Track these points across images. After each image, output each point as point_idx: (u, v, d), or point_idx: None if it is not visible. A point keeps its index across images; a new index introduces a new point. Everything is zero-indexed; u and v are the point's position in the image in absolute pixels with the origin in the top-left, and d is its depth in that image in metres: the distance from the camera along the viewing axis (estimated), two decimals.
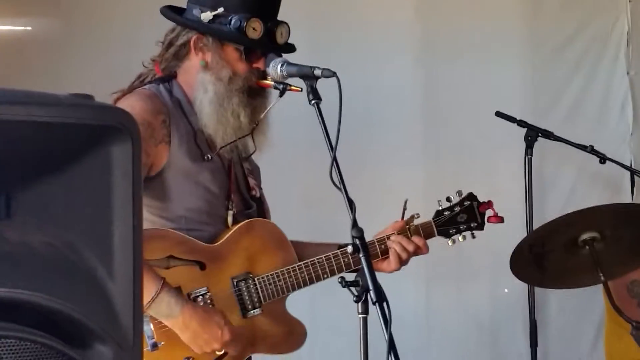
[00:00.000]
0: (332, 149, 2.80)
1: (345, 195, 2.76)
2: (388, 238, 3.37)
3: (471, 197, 3.53)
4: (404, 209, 3.41)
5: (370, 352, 2.72)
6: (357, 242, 2.71)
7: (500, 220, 3.52)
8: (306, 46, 4.59)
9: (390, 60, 5.10)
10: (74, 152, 1.56)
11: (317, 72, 2.91)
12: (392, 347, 2.58)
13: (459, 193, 3.51)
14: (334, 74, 2.86)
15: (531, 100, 5.19)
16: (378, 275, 2.72)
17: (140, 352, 1.64)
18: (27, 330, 1.50)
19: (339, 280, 2.74)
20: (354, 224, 2.75)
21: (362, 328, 2.70)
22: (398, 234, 3.38)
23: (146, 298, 2.99)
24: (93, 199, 1.58)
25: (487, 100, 4.93)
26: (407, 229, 3.40)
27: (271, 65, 3.10)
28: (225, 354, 3.18)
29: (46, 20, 5.04)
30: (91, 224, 1.59)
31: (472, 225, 3.51)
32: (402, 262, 3.37)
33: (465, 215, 3.51)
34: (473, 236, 3.53)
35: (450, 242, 3.51)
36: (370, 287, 2.63)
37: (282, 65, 3.06)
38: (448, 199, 3.50)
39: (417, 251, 3.39)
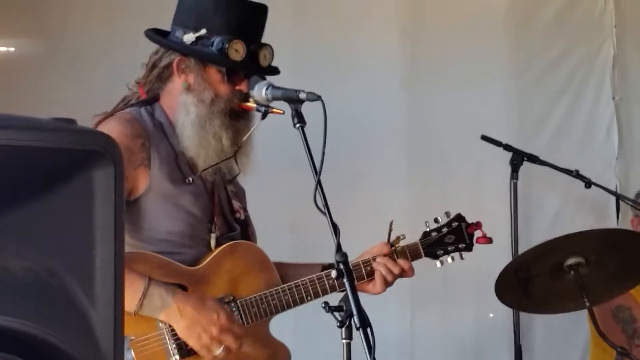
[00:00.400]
0: (317, 173, 2.79)
1: (329, 220, 2.76)
2: (374, 260, 3.35)
3: (459, 218, 3.53)
4: (390, 230, 3.39)
5: None
6: (341, 267, 2.70)
7: (489, 241, 3.51)
8: (291, 68, 4.59)
9: (376, 83, 5.10)
10: (55, 177, 1.54)
11: (302, 96, 2.92)
12: None
13: (447, 214, 3.51)
14: (318, 98, 2.87)
15: (517, 124, 5.20)
16: (362, 297, 2.72)
17: None
18: (6, 357, 1.48)
19: (323, 305, 2.73)
20: (338, 248, 2.74)
21: (346, 353, 2.69)
22: (384, 255, 3.36)
23: (135, 297, 2.99)
24: (74, 224, 1.57)
25: (473, 124, 4.93)
26: (393, 250, 3.39)
27: (256, 88, 3.11)
28: None
29: (30, 41, 5.02)
30: (72, 249, 1.57)
31: (460, 246, 3.50)
32: (388, 284, 3.36)
33: (453, 237, 3.49)
34: (462, 257, 3.51)
35: (438, 264, 3.49)
36: (354, 312, 2.62)
37: (267, 89, 3.07)
38: (436, 220, 3.49)
39: (403, 274, 3.38)
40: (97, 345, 1.58)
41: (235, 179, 3.44)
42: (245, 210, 3.50)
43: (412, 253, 3.43)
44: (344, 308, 2.66)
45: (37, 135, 1.51)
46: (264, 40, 3.32)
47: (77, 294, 1.58)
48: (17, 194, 1.54)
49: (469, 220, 3.54)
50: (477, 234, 3.52)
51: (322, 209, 2.76)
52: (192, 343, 3.10)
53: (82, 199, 1.57)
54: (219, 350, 3.11)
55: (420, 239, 3.47)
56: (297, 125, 2.90)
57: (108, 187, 1.58)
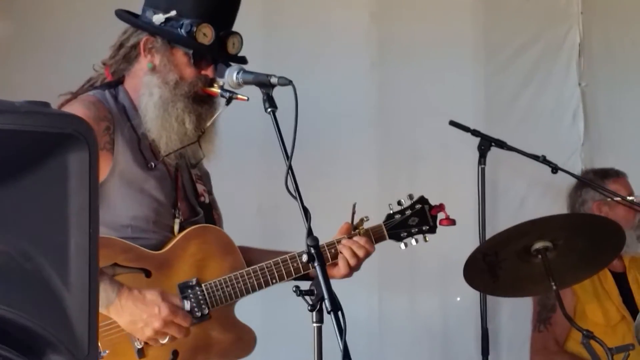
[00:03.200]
0: (288, 157, 2.79)
1: (300, 204, 2.76)
2: (338, 242, 3.36)
3: (422, 200, 3.54)
4: (353, 212, 3.40)
5: None
6: (312, 251, 2.70)
7: (452, 222, 3.52)
8: (261, 52, 4.58)
9: (345, 68, 5.09)
10: (29, 160, 1.54)
11: (274, 80, 2.91)
12: (346, 356, 2.57)
13: (410, 196, 3.52)
14: (290, 82, 2.86)
15: (484, 109, 5.21)
16: (331, 281, 2.72)
17: None
18: None
19: (294, 289, 2.73)
20: (309, 232, 2.74)
21: (317, 337, 2.69)
22: (348, 237, 3.36)
23: None
24: (49, 207, 1.56)
25: (441, 108, 4.94)
26: (357, 232, 3.40)
27: (227, 72, 3.09)
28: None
29: None
30: (46, 232, 1.57)
31: (424, 228, 3.52)
32: (353, 268, 3.35)
33: (416, 219, 3.51)
34: (425, 239, 3.53)
35: (402, 246, 3.50)
36: (326, 296, 2.62)
37: (238, 73, 3.04)
38: (399, 203, 3.51)
39: (367, 253, 3.37)
40: (71, 329, 1.58)
41: (199, 162, 3.42)
42: (210, 193, 3.48)
43: (375, 235, 3.44)
44: (315, 292, 2.66)
45: (11, 118, 1.51)
46: (234, 23, 3.31)
47: (52, 278, 1.57)
48: None
49: (433, 202, 3.55)
50: (441, 215, 3.54)
51: (293, 193, 2.76)
52: (137, 337, 3.10)
53: (57, 182, 1.56)
54: (164, 340, 3.10)
55: (384, 221, 3.48)
56: (269, 109, 2.89)
57: (83, 171, 1.58)
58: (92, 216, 1.59)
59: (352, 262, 3.33)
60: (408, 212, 3.51)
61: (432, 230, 3.54)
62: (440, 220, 3.53)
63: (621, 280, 4.70)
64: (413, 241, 3.51)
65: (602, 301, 4.60)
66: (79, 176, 1.57)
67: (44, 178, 1.55)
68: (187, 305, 3.16)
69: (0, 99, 1.53)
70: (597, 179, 4.70)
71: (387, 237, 3.48)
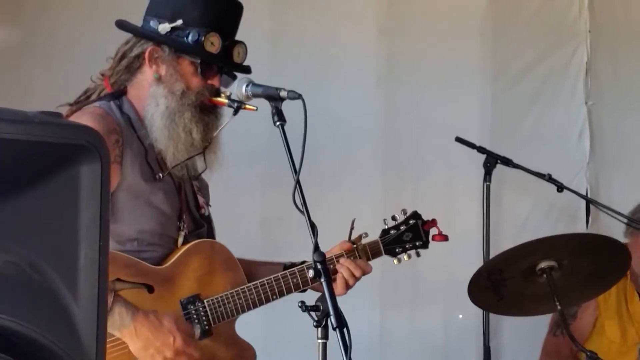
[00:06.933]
0: (296, 172, 2.78)
1: (307, 219, 2.75)
2: (337, 261, 3.35)
3: (416, 215, 3.54)
4: (352, 229, 3.40)
5: None
6: (319, 266, 2.69)
7: (445, 238, 3.53)
8: (268, 65, 4.58)
9: (352, 82, 5.09)
10: (41, 171, 1.53)
11: (283, 94, 2.90)
12: None
13: (404, 212, 3.52)
14: (299, 96, 2.86)
15: (490, 126, 5.21)
16: None
17: None
18: None
19: (299, 304, 2.72)
20: (316, 247, 2.73)
21: (321, 353, 2.68)
22: (347, 255, 3.35)
23: None
24: (60, 219, 1.55)
25: (448, 125, 4.94)
26: (354, 248, 3.39)
27: (236, 84, 3.08)
28: None
29: (4, 30, 4.97)
30: (57, 244, 1.56)
31: (417, 244, 3.52)
32: (349, 287, 3.35)
33: (410, 234, 3.51)
34: (418, 255, 3.53)
35: (395, 261, 3.51)
36: (331, 312, 2.61)
37: (247, 85, 3.03)
38: (393, 218, 3.51)
39: (363, 273, 3.37)
40: (79, 341, 1.57)
41: (200, 174, 3.39)
42: (208, 205, 3.46)
43: (372, 251, 3.45)
44: (321, 307, 2.65)
45: (24, 128, 1.49)
46: (242, 37, 3.30)
47: (60, 290, 1.56)
48: (2, 187, 1.52)
49: (439, 222, 3.55)
50: (433, 231, 3.54)
51: (301, 207, 2.75)
52: None
53: (68, 194, 1.55)
54: None
55: (380, 237, 3.49)
56: (278, 123, 2.88)
57: (94, 183, 1.57)
58: (102, 229, 1.58)
59: (351, 282, 3.33)
60: (402, 227, 3.51)
61: (425, 245, 3.54)
62: (433, 236, 3.54)
63: None
64: (405, 257, 3.51)
65: (623, 321, 4.56)
66: (90, 188, 1.56)
67: (55, 189, 1.54)
68: (198, 331, 3.15)
69: (12, 109, 1.52)
70: None
71: (383, 253, 3.48)
